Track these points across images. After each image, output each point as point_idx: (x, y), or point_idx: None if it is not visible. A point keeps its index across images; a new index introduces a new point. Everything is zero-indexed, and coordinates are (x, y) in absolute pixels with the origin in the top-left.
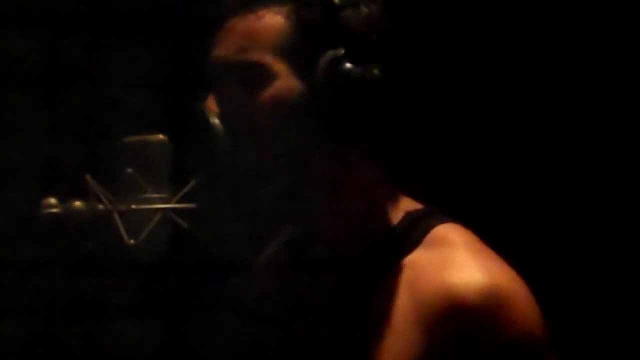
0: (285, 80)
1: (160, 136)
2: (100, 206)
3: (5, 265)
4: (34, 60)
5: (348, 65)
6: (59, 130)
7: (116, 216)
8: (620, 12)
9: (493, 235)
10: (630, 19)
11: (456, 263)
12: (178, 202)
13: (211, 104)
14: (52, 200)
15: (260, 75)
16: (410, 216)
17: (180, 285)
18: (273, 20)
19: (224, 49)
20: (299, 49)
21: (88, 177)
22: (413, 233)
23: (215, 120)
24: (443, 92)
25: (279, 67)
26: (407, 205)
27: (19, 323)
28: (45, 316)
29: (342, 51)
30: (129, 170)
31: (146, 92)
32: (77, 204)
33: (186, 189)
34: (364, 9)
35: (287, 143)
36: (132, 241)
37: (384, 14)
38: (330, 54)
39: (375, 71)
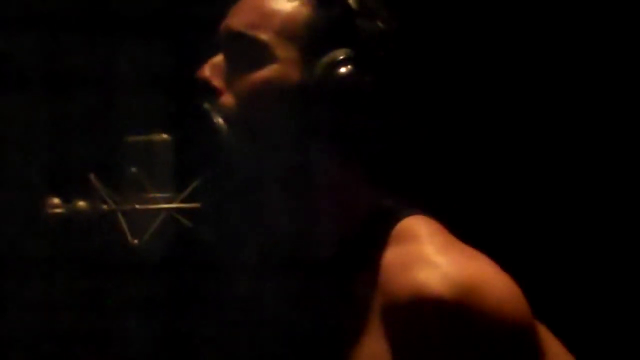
0: (283, 67)
1: (164, 136)
2: (104, 206)
3: (9, 264)
4: (38, 59)
5: (346, 69)
6: (62, 130)
7: (120, 216)
8: (620, 12)
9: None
10: (631, 19)
11: (420, 259)
12: (182, 201)
13: (204, 71)
14: (56, 200)
15: (262, 54)
16: (377, 211)
17: (184, 285)
18: (290, 4)
19: (236, 19)
20: (306, 39)
21: (92, 177)
22: (380, 229)
23: (219, 120)
24: (426, 95)
25: (282, 52)
26: (377, 200)
27: (24, 322)
28: (49, 316)
29: (345, 55)
30: (133, 170)
31: (150, 91)
32: (81, 204)
33: (190, 188)
34: (379, 24)
35: (267, 129)
36: (136, 241)
37: (397, 35)
38: (334, 53)
39: (371, 82)
